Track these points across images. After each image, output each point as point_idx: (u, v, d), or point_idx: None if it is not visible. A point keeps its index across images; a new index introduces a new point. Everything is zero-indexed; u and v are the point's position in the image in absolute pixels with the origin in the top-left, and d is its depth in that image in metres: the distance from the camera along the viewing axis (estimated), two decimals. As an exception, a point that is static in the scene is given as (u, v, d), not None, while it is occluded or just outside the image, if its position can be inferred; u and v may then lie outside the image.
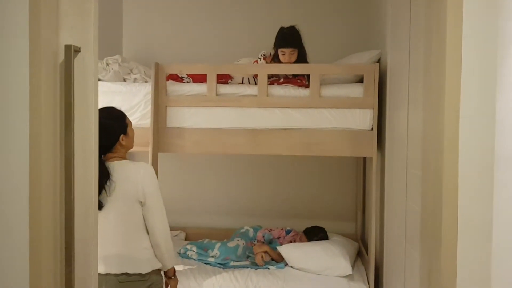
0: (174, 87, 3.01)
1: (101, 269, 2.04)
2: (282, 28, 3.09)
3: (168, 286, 2.30)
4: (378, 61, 3.02)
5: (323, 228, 3.46)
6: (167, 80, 3.05)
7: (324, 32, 3.78)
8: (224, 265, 3.17)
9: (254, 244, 3.36)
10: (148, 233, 2.14)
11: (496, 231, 1.53)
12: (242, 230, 3.58)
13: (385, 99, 2.85)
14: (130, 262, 2.09)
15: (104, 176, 2.02)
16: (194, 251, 3.32)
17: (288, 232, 3.48)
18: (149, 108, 2.97)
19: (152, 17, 4.11)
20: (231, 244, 3.30)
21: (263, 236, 3.46)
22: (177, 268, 3.10)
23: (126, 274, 2.07)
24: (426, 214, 1.82)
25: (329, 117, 2.90)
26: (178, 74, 3.14)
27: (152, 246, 2.14)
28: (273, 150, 2.96)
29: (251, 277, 2.96)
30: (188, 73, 3.14)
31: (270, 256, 3.19)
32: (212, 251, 3.29)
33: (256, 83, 3.00)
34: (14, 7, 1.34)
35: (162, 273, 2.25)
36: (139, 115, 3.00)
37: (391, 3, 2.77)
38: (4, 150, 1.37)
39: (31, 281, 1.39)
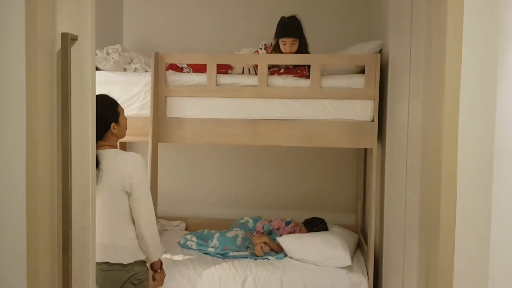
0: (174, 77, 3.00)
1: None
2: (283, 18, 3.06)
3: (154, 280, 2.29)
4: (380, 52, 2.99)
5: (323, 219, 3.46)
6: (167, 70, 3.03)
7: (325, 23, 3.75)
8: (224, 255, 3.17)
9: (254, 235, 3.36)
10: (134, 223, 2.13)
11: (495, 224, 1.52)
12: (242, 221, 3.58)
13: (386, 90, 2.83)
14: (112, 251, 2.08)
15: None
16: (194, 241, 3.32)
17: (287, 223, 3.47)
18: (149, 98, 2.96)
19: (153, 6, 4.08)
20: (229, 234, 3.31)
21: (263, 227, 3.46)
22: (177, 258, 3.14)
23: (108, 263, 2.07)
24: (424, 206, 1.81)
25: (330, 108, 2.88)
26: (178, 64, 3.13)
27: (137, 237, 2.13)
28: (273, 141, 2.94)
29: (251, 267, 2.97)
30: (188, 63, 3.13)
31: (269, 247, 3.19)
32: (212, 241, 3.29)
33: (256, 73, 2.98)
34: (9, -6, 1.32)
35: (149, 265, 2.24)
36: (138, 105, 2.99)
37: (393, -7, 2.74)
38: (1, 140, 1.36)
39: (28, 270, 1.40)
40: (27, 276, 1.40)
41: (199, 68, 3.06)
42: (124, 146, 3.87)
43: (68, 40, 1.48)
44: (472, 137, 1.53)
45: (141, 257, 2.15)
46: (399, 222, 2.44)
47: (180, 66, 3.14)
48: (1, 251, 1.38)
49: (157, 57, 2.94)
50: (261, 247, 3.14)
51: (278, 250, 3.19)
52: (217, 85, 2.93)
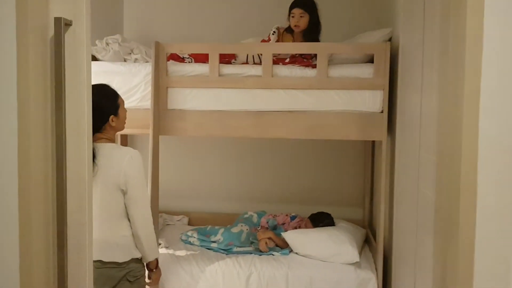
0: (175, 68, 2.89)
1: None
2: None
3: (150, 279, 2.20)
4: (390, 40, 2.88)
5: (329, 214, 3.36)
6: (168, 60, 2.93)
7: (333, 10, 3.63)
8: (227, 251, 3.08)
9: (258, 230, 3.27)
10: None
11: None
12: (246, 216, 3.48)
13: (397, 80, 2.72)
14: (106, 249, 2.00)
15: None
16: (195, 237, 3.24)
17: (293, 218, 3.38)
18: (149, 90, 2.86)
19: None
20: (234, 230, 3.21)
21: (267, 222, 3.37)
22: (179, 253, 3.06)
23: (101, 261, 1.99)
24: (441, 202, 1.71)
25: (337, 99, 2.77)
26: (179, 54, 3.02)
27: (132, 235, 2.05)
28: (278, 134, 2.84)
29: (255, 263, 2.88)
30: (190, 53, 3.02)
31: (274, 242, 3.10)
32: (215, 236, 3.20)
33: (261, 62, 2.87)
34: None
35: (145, 264, 2.16)
36: (139, 96, 2.89)
37: (403, -22, 2.63)
38: (-11, 132, 1.28)
39: (21, 267, 1.33)
40: (20, 275, 1.33)
41: (201, 58, 2.96)
42: (125, 139, 3.78)
43: (62, 25, 1.40)
44: (495, 128, 1.42)
45: (137, 255, 2.06)
46: (411, 217, 2.34)
47: (182, 56, 3.04)
48: (-8, 248, 1.31)
49: (158, 46, 2.84)
50: (266, 243, 3.06)
51: (283, 246, 3.10)
52: (219, 75, 2.83)
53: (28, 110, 1.30)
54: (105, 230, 2.00)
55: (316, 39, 3.02)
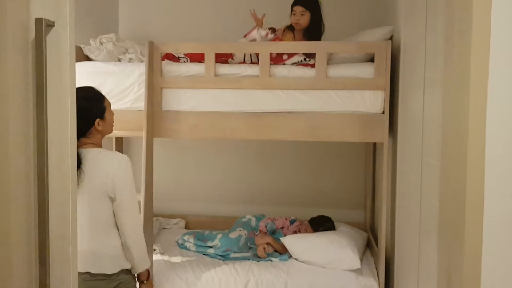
0: (170, 67, 2.80)
1: None
2: None
3: None
4: (391, 38, 2.79)
5: (330, 218, 3.27)
6: (163, 60, 2.84)
7: (333, 8, 3.52)
8: (225, 257, 2.99)
9: (256, 235, 3.17)
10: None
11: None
12: (244, 219, 3.39)
13: (398, 80, 2.62)
14: (94, 260, 1.91)
15: None
16: (191, 242, 3.15)
17: (292, 221, 3.29)
18: (143, 90, 2.76)
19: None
20: (233, 235, 3.12)
21: (266, 226, 3.27)
22: (175, 259, 2.97)
23: (89, 273, 1.90)
24: (445, 209, 1.62)
25: (337, 99, 2.68)
26: (174, 54, 2.93)
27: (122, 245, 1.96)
28: (276, 136, 2.75)
29: (253, 270, 2.80)
30: (185, 52, 2.93)
31: (273, 247, 3.01)
32: (212, 241, 3.11)
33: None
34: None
35: (136, 276, 2.07)
36: (132, 97, 2.80)
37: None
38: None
39: (0, 283, 1.25)
40: (-2, 290, 1.25)
41: (197, 58, 2.87)
42: (120, 142, 3.70)
43: (43, 26, 1.32)
44: (503, 132, 1.33)
45: (127, 265, 1.97)
46: (413, 222, 2.25)
47: (177, 56, 2.95)
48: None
49: (152, 46, 2.75)
50: (264, 248, 2.97)
51: (282, 251, 3.01)
52: (215, 75, 2.73)
53: (7, 116, 1.22)
54: (92, 240, 1.91)
55: (318, 39, 2.93)
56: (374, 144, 3.42)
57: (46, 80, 1.31)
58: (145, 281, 2.07)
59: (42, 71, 1.30)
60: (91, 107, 1.96)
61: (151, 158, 2.78)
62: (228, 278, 2.74)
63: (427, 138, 2.06)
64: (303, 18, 2.89)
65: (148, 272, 2.06)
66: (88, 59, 3.08)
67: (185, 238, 3.20)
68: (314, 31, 2.91)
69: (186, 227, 3.72)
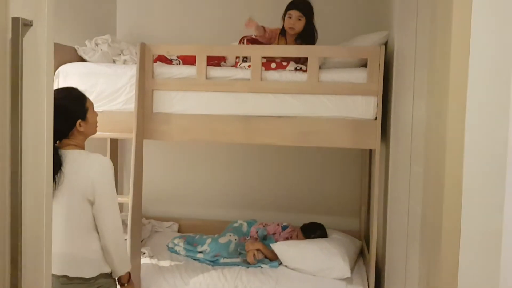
0: (161, 69, 2.77)
1: None
2: None
3: None
4: (386, 43, 2.74)
5: (322, 225, 3.21)
6: (155, 62, 2.82)
7: (331, 12, 3.50)
8: (214, 262, 2.96)
9: (247, 240, 3.13)
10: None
11: (507, 241, 1.28)
12: (236, 225, 3.35)
13: (391, 86, 2.58)
14: (72, 264, 1.87)
15: (55, 165, 1.79)
16: (181, 246, 3.11)
17: (284, 228, 3.24)
18: (134, 92, 2.74)
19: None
20: (222, 240, 3.08)
21: (257, 232, 3.23)
22: (163, 263, 2.94)
23: (67, 277, 1.86)
24: (426, 218, 1.58)
25: (329, 105, 2.63)
26: (167, 56, 2.91)
27: (102, 248, 1.92)
28: (266, 140, 2.70)
29: (241, 277, 2.75)
30: (177, 54, 2.91)
31: (263, 254, 2.96)
32: (202, 246, 3.07)
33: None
34: None
35: (117, 279, 2.03)
36: (123, 99, 2.77)
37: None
38: None
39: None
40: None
41: (190, 60, 2.84)
42: (115, 143, 3.68)
43: (20, 25, 1.31)
44: (481, 140, 1.28)
45: (106, 269, 1.93)
46: (402, 231, 2.20)
47: (170, 58, 2.93)
48: None
49: (143, 47, 2.72)
50: (254, 255, 2.92)
51: (272, 258, 2.96)
52: (207, 78, 2.70)
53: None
54: (71, 243, 1.88)
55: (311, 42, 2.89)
56: (370, 150, 3.36)
57: (21, 80, 1.30)
58: (125, 284, 2.03)
59: (17, 71, 1.29)
60: (72, 107, 1.93)
61: (141, 160, 2.75)
62: (216, 283, 2.70)
63: (415, 145, 2.01)
64: (298, 23, 2.83)
65: (129, 275, 2.03)
66: (83, 60, 3.07)
67: (175, 241, 3.17)
68: (308, 38, 2.86)
69: (179, 230, 3.69)
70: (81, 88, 2.03)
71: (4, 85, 1.27)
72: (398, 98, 2.42)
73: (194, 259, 3.02)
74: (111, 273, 1.98)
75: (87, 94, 2.04)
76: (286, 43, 2.88)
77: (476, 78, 1.28)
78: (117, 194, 3.58)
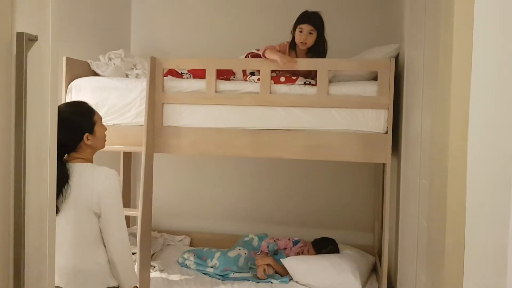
0: (171, 83, 2.80)
1: None
2: (305, 11, 2.86)
3: None
4: (397, 56, 2.71)
5: (334, 240, 3.16)
6: (166, 76, 2.84)
7: (339, 26, 3.47)
8: (224, 276, 2.93)
9: (258, 255, 3.10)
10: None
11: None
12: (247, 239, 3.32)
13: (402, 99, 2.54)
14: (78, 277, 1.86)
15: (62, 178, 1.80)
16: (191, 260, 3.10)
17: (295, 242, 3.20)
18: (144, 106, 2.76)
19: (162, 11, 3.91)
20: (231, 254, 3.06)
21: (268, 246, 3.20)
22: (173, 277, 2.93)
23: None
24: (431, 233, 1.54)
25: (338, 118, 2.60)
26: (177, 70, 2.93)
27: (108, 262, 1.92)
28: (276, 153, 2.69)
29: (251, 292, 2.73)
30: (186, 68, 2.93)
31: (273, 269, 2.93)
32: (211, 260, 3.05)
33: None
34: None
35: None
36: (134, 112, 2.80)
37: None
38: None
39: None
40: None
41: (200, 74, 2.85)
42: (129, 156, 3.71)
43: (24, 40, 1.32)
44: (485, 155, 1.25)
45: (113, 283, 1.92)
46: (412, 247, 2.15)
47: (180, 72, 2.95)
48: None
49: (154, 62, 2.75)
50: (264, 270, 2.89)
51: (283, 273, 2.93)
52: (216, 91, 2.71)
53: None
54: (77, 257, 1.88)
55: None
56: (384, 164, 3.31)
57: (25, 94, 1.31)
58: None
59: (22, 85, 1.30)
60: (79, 121, 1.95)
61: (151, 173, 2.76)
62: (225, 298, 2.68)
63: (423, 159, 1.97)
64: (310, 37, 2.80)
65: None
66: (96, 74, 3.11)
67: (185, 256, 3.15)
68: (319, 51, 2.83)
69: (191, 244, 3.68)
70: (93, 102, 2.05)
71: (8, 100, 1.28)
72: (409, 112, 2.39)
73: (204, 273, 3.00)
74: (118, 287, 1.97)
75: (98, 108, 2.06)
76: (297, 57, 2.86)
77: (478, 92, 1.25)
78: (130, 207, 3.67)
